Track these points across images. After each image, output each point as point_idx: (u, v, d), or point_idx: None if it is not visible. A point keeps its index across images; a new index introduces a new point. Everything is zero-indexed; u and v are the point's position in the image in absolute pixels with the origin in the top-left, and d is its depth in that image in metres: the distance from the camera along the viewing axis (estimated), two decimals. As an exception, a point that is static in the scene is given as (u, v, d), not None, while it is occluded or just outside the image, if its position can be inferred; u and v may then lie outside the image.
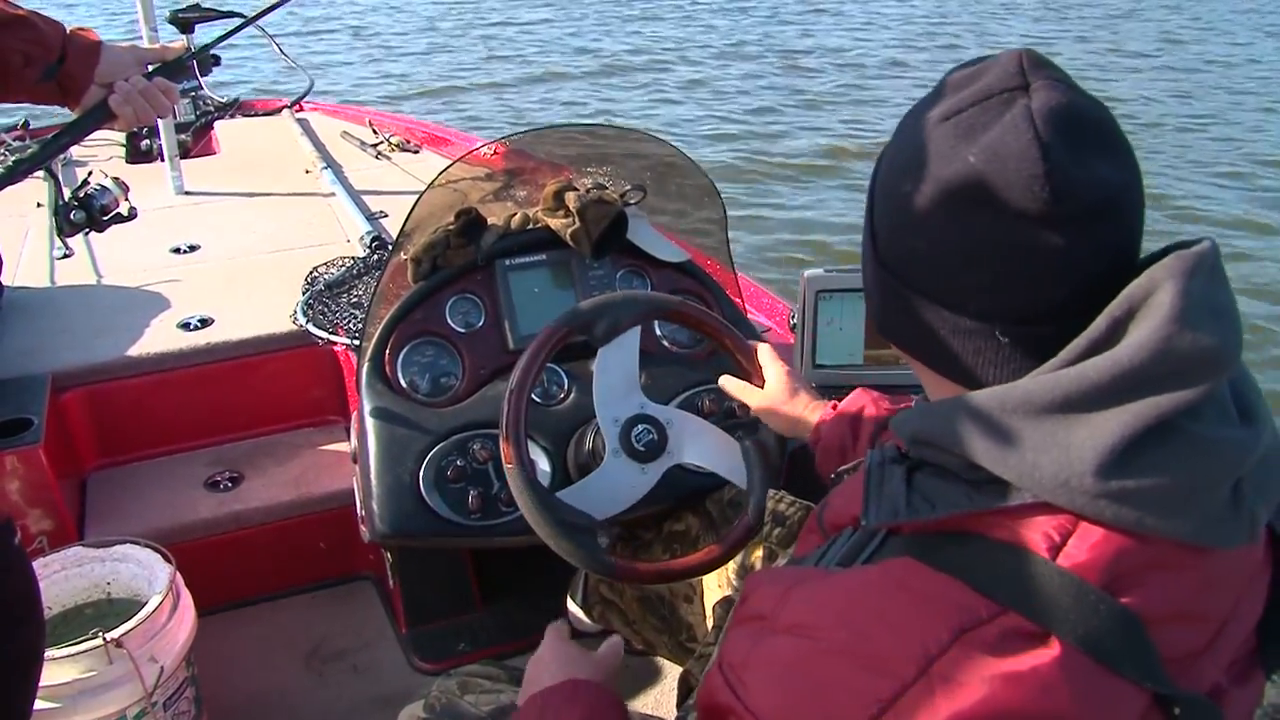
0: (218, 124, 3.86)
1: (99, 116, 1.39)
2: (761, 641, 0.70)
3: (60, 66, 1.34)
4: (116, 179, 1.57)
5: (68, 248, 1.86)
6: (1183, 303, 0.62)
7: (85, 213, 1.52)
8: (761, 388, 1.29)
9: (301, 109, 3.98)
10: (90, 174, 1.57)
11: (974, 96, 0.68)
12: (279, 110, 3.99)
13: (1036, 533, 0.65)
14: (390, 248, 2.45)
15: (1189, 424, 0.63)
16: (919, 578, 0.65)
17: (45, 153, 1.40)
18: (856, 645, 0.64)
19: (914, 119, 0.72)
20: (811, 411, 1.24)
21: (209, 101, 4.02)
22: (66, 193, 1.53)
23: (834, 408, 1.22)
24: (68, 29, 1.37)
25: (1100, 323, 0.65)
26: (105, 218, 1.54)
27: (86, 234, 1.56)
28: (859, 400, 1.22)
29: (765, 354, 1.32)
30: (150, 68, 1.41)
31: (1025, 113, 0.65)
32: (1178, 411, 0.62)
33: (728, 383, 1.32)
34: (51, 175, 1.50)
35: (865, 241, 0.78)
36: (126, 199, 1.56)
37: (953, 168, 0.66)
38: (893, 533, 0.72)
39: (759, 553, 1.43)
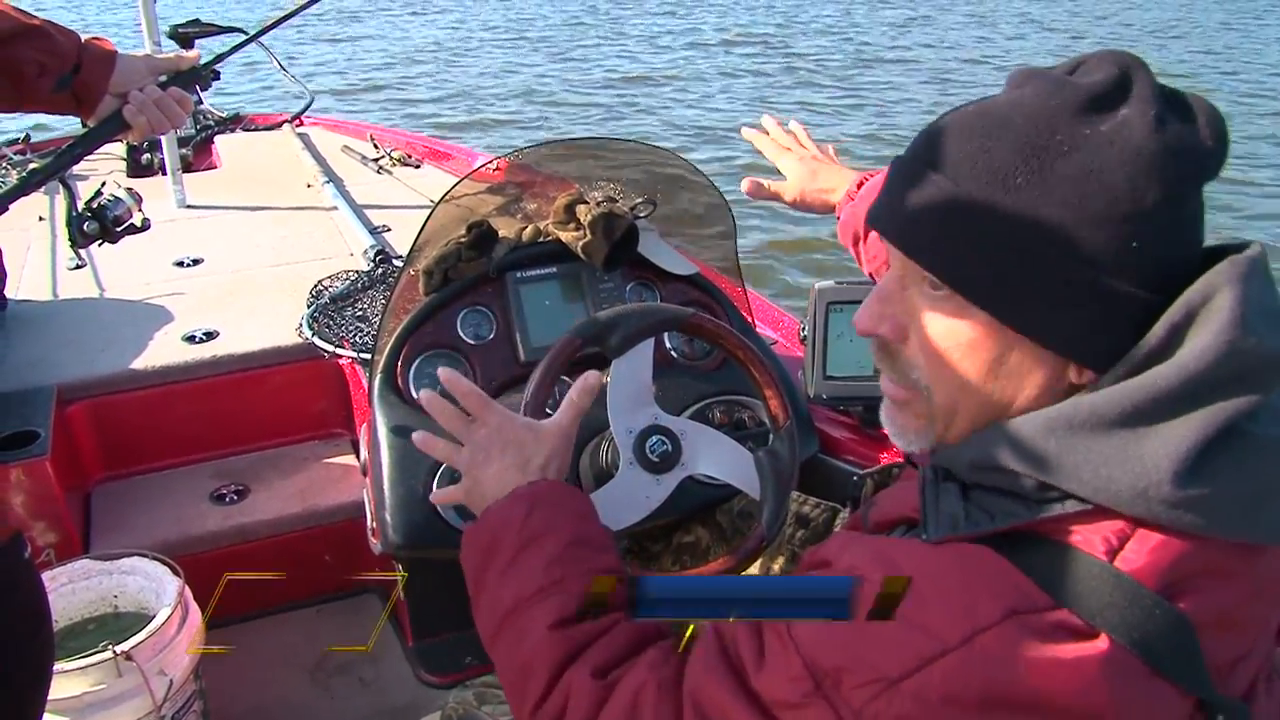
0: (218, 138, 3.87)
1: (113, 127, 1.39)
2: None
3: (75, 76, 1.33)
4: (130, 190, 1.57)
5: (80, 258, 1.85)
6: (1243, 308, 0.64)
7: (99, 224, 1.52)
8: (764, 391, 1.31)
9: (302, 123, 3.99)
10: (103, 185, 1.57)
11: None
12: (279, 125, 4.00)
13: (1095, 537, 0.66)
14: (394, 261, 2.47)
15: (1249, 426, 0.65)
16: (982, 557, 0.67)
17: (60, 163, 1.40)
18: (908, 601, 0.66)
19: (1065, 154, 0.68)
20: (838, 184, 1.32)
21: (209, 115, 4.03)
22: (80, 204, 1.53)
23: (860, 185, 1.29)
24: (83, 38, 1.37)
25: (1158, 330, 0.66)
26: (119, 228, 1.54)
27: (99, 245, 1.55)
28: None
29: (769, 148, 1.41)
30: (163, 78, 1.42)
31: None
32: (1243, 415, 0.64)
33: (754, 185, 1.37)
34: (65, 186, 1.50)
35: (1075, 274, 0.68)
36: (140, 210, 1.56)
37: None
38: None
39: (780, 559, 1.44)
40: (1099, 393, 0.66)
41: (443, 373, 1.08)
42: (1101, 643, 0.62)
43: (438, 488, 1.43)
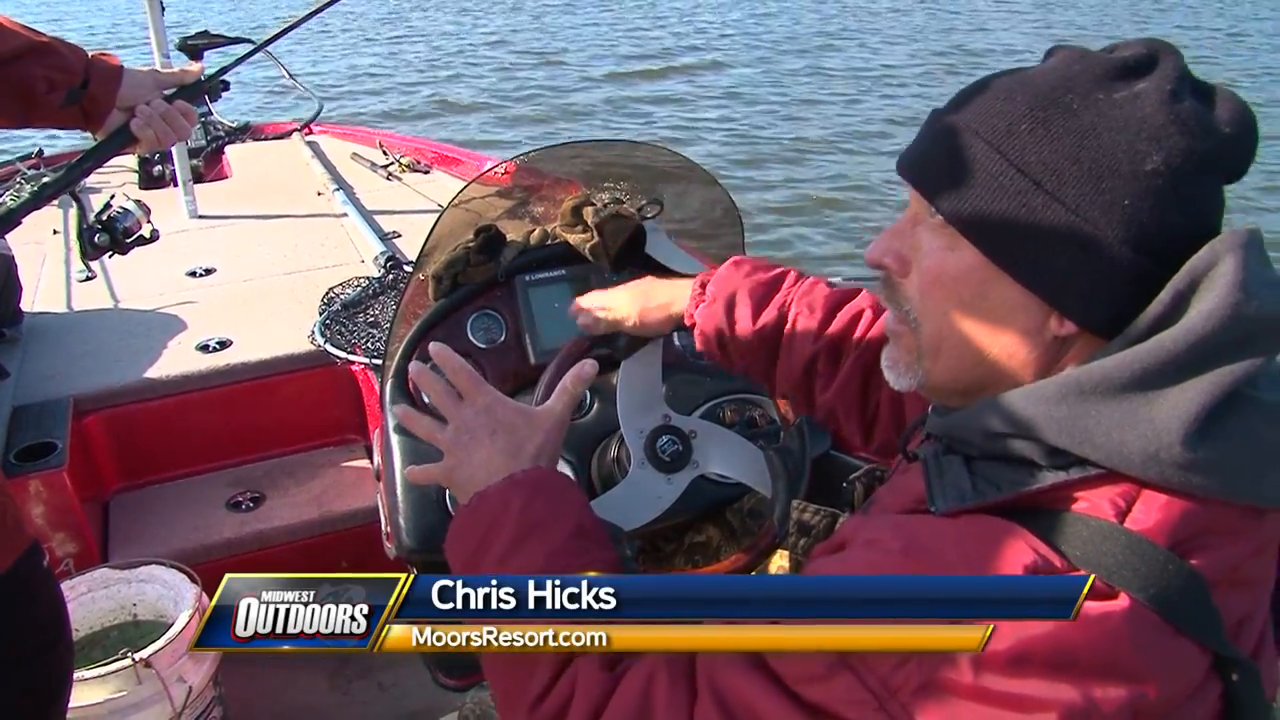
0: (229, 149, 3.90)
1: (121, 140, 1.40)
2: (839, 558, 0.74)
3: (83, 91, 1.35)
4: (139, 201, 1.58)
5: (90, 270, 1.86)
6: (1245, 273, 0.65)
7: (109, 235, 1.53)
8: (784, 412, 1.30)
9: (311, 132, 4.01)
10: (113, 197, 1.58)
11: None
12: (289, 134, 4.02)
13: (1102, 501, 0.67)
14: (404, 267, 2.48)
15: (1252, 391, 0.66)
16: (997, 526, 0.68)
17: (70, 176, 1.41)
18: (930, 567, 0.67)
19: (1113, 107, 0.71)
20: (675, 300, 1.22)
21: (220, 126, 4.07)
22: (90, 216, 1.55)
23: (703, 285, 1.20)
24: (90, 54, 1.38)
25: (1164, 297, 0.67)
26: (128, 240, 1.55)
27: (110, 256, 1.57)
28: (730, 282, 1.19)
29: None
30: (169, 91, 1.43)
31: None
32: (1249, 378, 0.65)
33: (592, 320, 1.25)
34: (75, 199, 1.51)
35: (1059, 219, 0.70)
36: (149, 221, 1.58)
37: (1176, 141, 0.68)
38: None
39: (784, 563, 1.43)
40: (1109, 358, 0.67)
41: (433, 348, 1.02)
42: (1123, 601, 0.63)
43: (449, 491, 1.44)
